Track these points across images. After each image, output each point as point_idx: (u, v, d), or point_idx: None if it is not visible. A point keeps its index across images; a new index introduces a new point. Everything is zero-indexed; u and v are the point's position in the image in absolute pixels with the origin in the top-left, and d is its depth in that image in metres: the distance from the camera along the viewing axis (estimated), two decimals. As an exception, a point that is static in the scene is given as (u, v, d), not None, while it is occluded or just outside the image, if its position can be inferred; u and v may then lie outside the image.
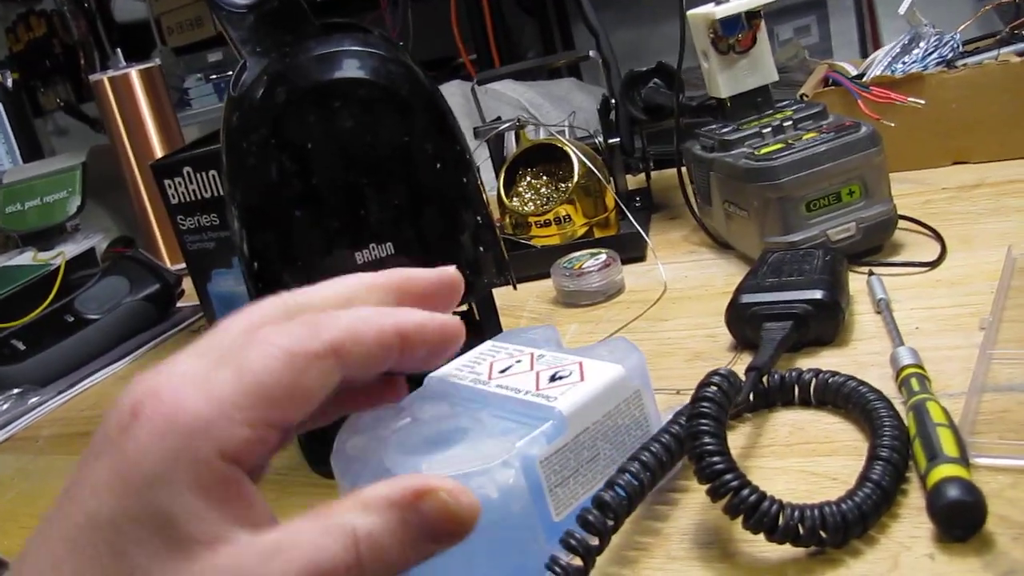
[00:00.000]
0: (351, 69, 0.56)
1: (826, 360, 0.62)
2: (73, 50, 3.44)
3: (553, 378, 0.48)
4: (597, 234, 0.90)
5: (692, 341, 0.69)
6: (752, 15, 0.79)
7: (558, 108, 1.81)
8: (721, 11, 0.78)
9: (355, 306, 0.38)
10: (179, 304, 1.14)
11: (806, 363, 0.61)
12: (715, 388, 0.48)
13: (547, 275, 0.84)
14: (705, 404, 0.46)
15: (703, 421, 0.45)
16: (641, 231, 0.85)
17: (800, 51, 2.38)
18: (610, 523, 0.43)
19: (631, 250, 0.87)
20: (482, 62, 2.47)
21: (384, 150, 0.56)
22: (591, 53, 0.96)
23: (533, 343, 0.55)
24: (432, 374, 0.53)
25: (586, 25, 0.99)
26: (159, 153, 1.30)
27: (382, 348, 0.36)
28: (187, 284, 1.11)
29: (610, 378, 0.48)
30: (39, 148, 1.64)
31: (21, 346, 1.01)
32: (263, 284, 0.59)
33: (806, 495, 0.47)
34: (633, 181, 1.05)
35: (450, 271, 0.41)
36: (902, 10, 0.98)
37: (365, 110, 0.56)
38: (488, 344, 0.56)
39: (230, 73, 2.00)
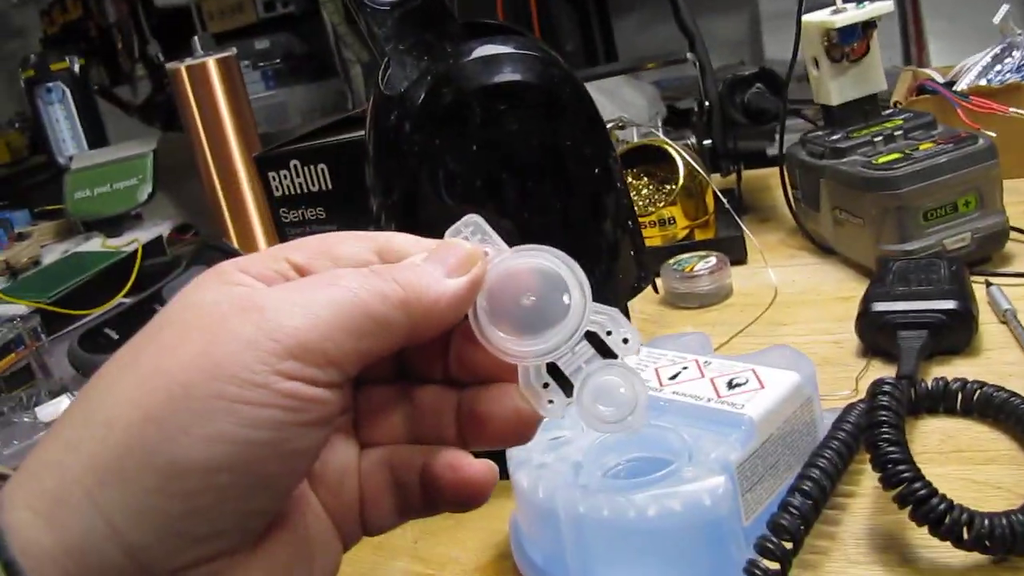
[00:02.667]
0: (515, 72, 0.57)
1: (961, 369, 0.63)
2: (109, 34, 3.43)
3: (731, 385, 0.50)
4: (698, 236, 0.91)
5: (817, 346, 0.70)
6: (868, 24, 0.80)
7: (613, 103, 1.82)
8: (840, 20, 0.79)
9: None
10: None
11: (940, 372, 0.62)
12: (888, 396, 0.49)
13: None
14: (883, 412, 0.47)
15: (884, 429, 0.46)
16: (750, 235, 0.86)
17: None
18: (801, 527, 0.44)
19: (731, 253, 0.87)
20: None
21: (548, 154, 0.57)
22: (688, 55, 0.97)
23: (689, 349, 0.56)
24: None
25: (680, 27, 1.00)
26: (234, 144, 1.31)
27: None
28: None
29: (789, 385, 0.49)
30: (104, 135, 1.65)
31: (114, 335, 1.02)
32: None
33: (971, 503, 0.48)
34: (720, 183, 1.05)
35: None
36: (997, 19, 0.98)
37: (529, 113, 0.56)
38: (643, 350, 0.57)
39: (278, 61, 2.00)
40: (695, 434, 0.47)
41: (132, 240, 1.33)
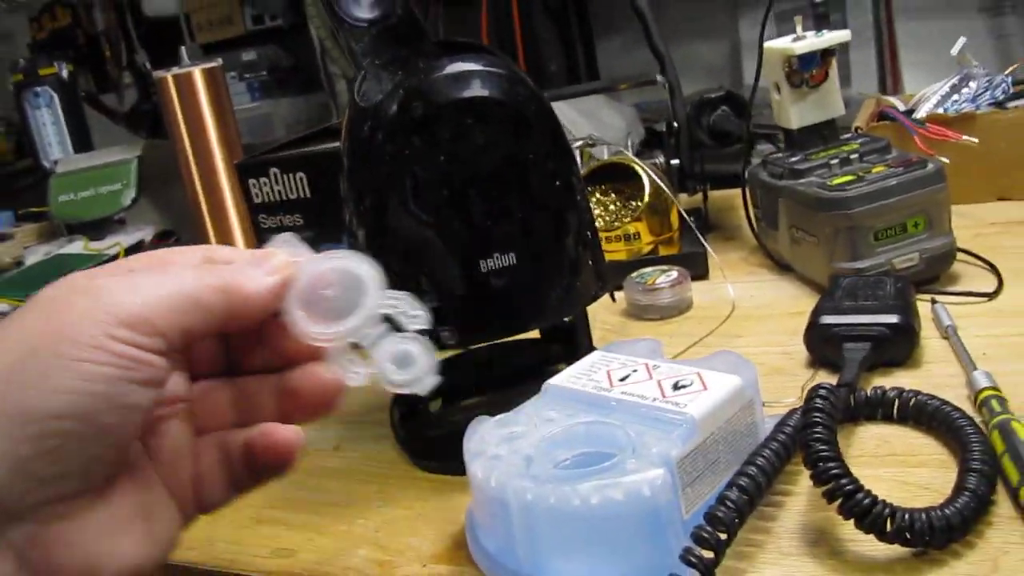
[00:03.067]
0: (484, 88, 0.60)
1: (901, 380, 0.66)
2: (97, 41, 3.45)
3: (676, 386, 0.53)
4: (662, 251, 0.94)
5: (768, 357, 0.73)
6: (827, 52, 0.84)
7: (592, 123, 1.86)
8: (800, 47, 0.83)
9: None
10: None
11: (881, 382, 0.65)
12: (822, 400, 0.52)
13: (614, 288, 0.88)
14: (817, 414, 0.51)
15: (817, 430, 0.50)
16: (710, 251, 0.89)
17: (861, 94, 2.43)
18: (735, 520, 0.48)
19: (694, 268, 0.91)
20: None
21: (510, 166, 0.60)
22: (658, 78, 1.01)
23: (640, 354, 0.59)
24: (550, 381, 0.57)
25: (651, 49, 1.03)
26: (217, 152, 1.34)
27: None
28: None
29: (731, 388, 0.53)
30: (89, 140, 1.68)
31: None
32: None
33: (901, 501, 0.51)
34: (687, 201, 1.09)
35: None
36: (954, 51, 1.03)
37: (495, 128, 0.60)
38: (596, 355, 0.60)
39: (264, 73, 2.04)
40: (640, 431, 0.50)
41: (114, 244, 1.36)
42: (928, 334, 0.72)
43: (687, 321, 0.83)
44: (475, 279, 0.60)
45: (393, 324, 0.42)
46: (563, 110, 1.81)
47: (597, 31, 2.89)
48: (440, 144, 0.59)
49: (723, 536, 0.47)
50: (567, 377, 0.57)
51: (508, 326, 0.63)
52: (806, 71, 0.84)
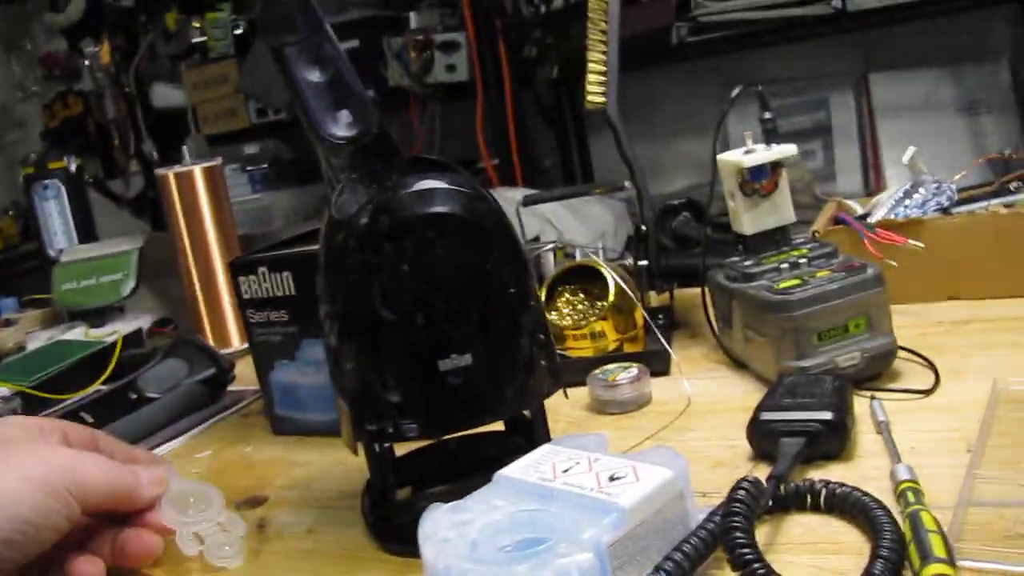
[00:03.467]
0: (445, 204, 0.66)
1: (833, 473, 0.71)
2: (106, 130, 3.57)
3: (612, 478, 0.58)
4: (627, 348, 1.00)
5: (715, 450, 0.78)
6: (776, 164, 0.91)
7: (578, 220, 1.94)
8: (750, 160, 0.89)
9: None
10: (230, 388, 1.23)
11: (815, 475, 0.70)
12: (745, 492, 0.57)
13: (580, 383, 0.93)
14: (737, 504, 0.56)
15: (735, 519, 0.55)
16: (668, 349, 0.95)
17: (805, 174, 2.52)
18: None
19: (657, 364, 0.96)
20: (503, 168, 2.60)
21: (468, 274, 0.66)
22: (626, 184, 1.07)
23: (587, 448, 0.64)
24: (501, 472, 0.63)
25: (622, 157, 1.10)
26: (215, 246, 1.41)
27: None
28: (238, 369, 1.21)
29: (661, 480, 0.58)
30: (94, 230, 1.75)
31: (89, 419, 1.10)
32: (357, 383, 0.69)
33: (817, 587, 0.56)
34: (656, 299, 1.15)
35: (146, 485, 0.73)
36: (905, 159, 1.09)
37: (455, 240, 0.66)
38: (546, 448, 0.65)
39: (265, 166, 2.13)
40: (575, 518, 0.55)
41: (113, 332, 1.41)
42: (864, 428, 0.77)
43: (645, 415, 0.89)
44: (434, 377, 0.65)
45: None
46: (550, 207, 1.88)
47: (591, 128, 3.00)
48: (405, 255, 0.65)
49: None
50: (516, 468, 0.63)
51: (465, 421, 0.68)
52: (756, 182, 0.91)
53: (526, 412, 0.74)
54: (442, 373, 0.66)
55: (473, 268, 0.67)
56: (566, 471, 0.61)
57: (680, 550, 0.55)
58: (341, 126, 0.73)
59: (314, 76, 0.74)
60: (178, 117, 3.19)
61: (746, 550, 0.53)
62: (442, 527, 0.57)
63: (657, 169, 2.77)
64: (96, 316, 1.53)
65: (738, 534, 0.54)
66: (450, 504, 0.60)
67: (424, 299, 0.66)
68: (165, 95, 3.15)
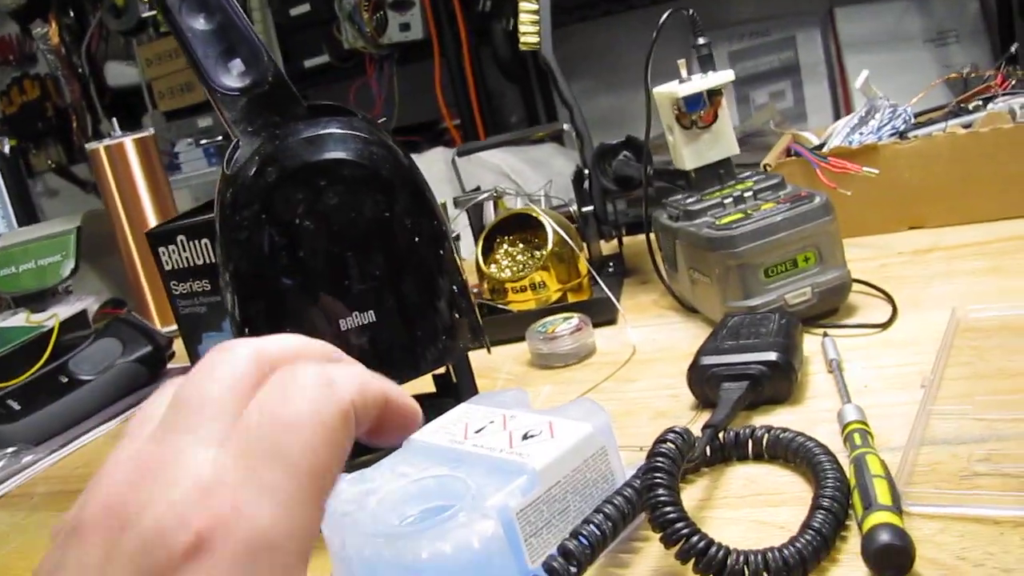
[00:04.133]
0: (336, 150, 0.61)
1: (780, 418, 0.66)
2: (65, 113, 3.49)
3: (525, 437, 0.53)
4: (571, 299, 0.95)
5: (657, 401, 0.73)
6: (713, 92, 0.85)
7: (538, 173, 1.87)
8: (684, 90, 0.84)
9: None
10: (169, 365, 1.18)
11: (761, 420, 0.65)
12: (669, 444, 0.52)
13: (523, 338, 0.88)
14: (660, 459, 0.50)
15: (657, 475, 0.50)
16: (611, 296, 0.89)
17: (775, 115, 2.46)
18: (573, 570, 0.47)
19: (602, 314, 0.91)
20: (466, 127, 2.53)
21: (366, 225, 0.61)
22: (565, 126, 1.02)
23: (504, 405, 0.59)
24: (412, 436, 0.57)
25: (560, 99, 1.04)
26: (152, 219, 1.35)
27: (377, 409, 0.35)
28: (177, 346, 1.15)
29: (578, 436, 0.52)
30: (34, 212, 1.68)
31: (16, 406, 1.04)
32: (253, 348, 0.63)
33: (755, 543, 0.51)
34: (607, 247, 1.10)
35: (417, 410, 0.39)
36: (858, 84, 1.04)
37: (349, 188, 0.60)
38: (462, 407, 0.60)
39: (220, 139, 2.08)
40: (482, 483, 0.50)
41: (51, 315, 1.35)
42: (816, 369, 0.72)
43: (587, 367, 0.83)
44: (336, 337, 0.60)
45: None
46: (507, 160, 1.82)
47: (555, 83, 2.93)
48: (296, 207, 0.60)
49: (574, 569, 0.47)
50: (427, 431, 0.57)
51: (374, 384, 0.63)
52: (694, 112, 0.85)
53: (451, 371, 0.69)
54: (344, 332, 0.60)
55: (372, 218, 0.61)
56: (479, 431, 0.55)
57: (601, 511, 0.50)
58: (233, 76, 0.67)
59: (200, 24, 0.68)
60: (135, 95, 3.11)
61: (668, 508, 0.48)
62: (342, 500, 0.52)
63: (625, 118, 2.71)
64: (38, 300, 1.47)
65: (660, 491, 0.49)
66: (352, 474, 0.54)
67: (320, 254, 0.60)
68: (119, 73, 3.08)
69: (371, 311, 0.60)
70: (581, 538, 0.49)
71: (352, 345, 0.60)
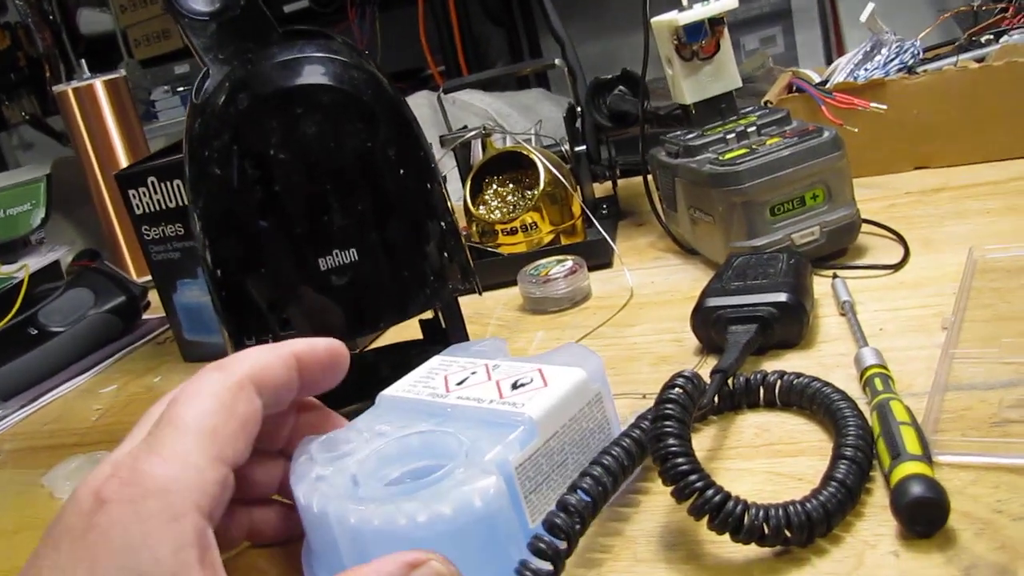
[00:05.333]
0: (313, 75, 0.56)
1: (791, 362, 0.62)
2: (38, 63, 3.40)
3: (515, 385, 0.48)
4: (564, 241, 0.90)
5: (658, 346, 0.69)
6: (715, 21, 0.80)
7: (526, 118, 1.82)
8: (684, 18, 0.78)
9: None
10: (145, 316, 1.13)
11: (771, 365, 0.61)
12: (679, 390, 0.47)
13: (515, 283, 0.83)
14: (669, 406, 0.46)
15: (667, 423, 0.45)
16: (607, 237, 0.85)
17: (766, 61, 2.40)
18: (577, 526, 0.43)
19: (598, 257, 0.87)
20: (451, 73, 2.47)
21: (347, 156, 0.56)
22: (556, 61, 0.97)
23: (483, 355, 0.54)
24: (383, 392, 0.53)
25: (552, 33, 0.99)
26: (124, 164, 1.29)
27: (287, 370, 0.44)
28: (153, 296, 1.10)
29: (573, 382, 0.48)
30: (4, 162, 1.62)
31: (-16, 359, 1.00)
32: (227, 292, 0.59)
33: (772, 495, 0.47)
34: (601, 189, 1.05)
35: (338, 345, 0.47)
36: (863, 17, 0.99)
37: (327, 116, 0.55)
38: (436, 360, 0.55)
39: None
40: (475, 436, 0.45)
41: (21, 266, 1.30)
42: (827, 312, 0.68)
43: (583, 312, 0.79)
44: (315, 278, 0.55)
45: None
46: (494, 105, 1.77)
47: (541, 28, 2.85)
48: (270, 136, 0.55)
49: (563, 545, 0.43)
50: (402, 386, 0.53)
51: (357, 327, 0.58)
52: (695, 43, 0.80)
53: (439, 316, 0.65)
54: (324, 273, 0.56)
55: (353, 148, 0.56)
56: (461, 383, 0.51)
57: (600, 463, 0.46)
58: (201, 0, 0.62)
59: (165, -59, 0.63)
60: (109, 43, 3.03)
61: (681, 460, 0.44)
62: (318, 462, 0.47)
63: (613, 63, 2.64)
64: (8, 251, 1.41)
65: (671, 441, 0.44)
66: (324, 436, 0.50)
67: (296, 187, 0.55)
68: (93, 20, 2.99)
69: (353, 249, 0.56)
70: (581, 491, 0.45)
71: (333, 286, 0.56)
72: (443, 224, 0.60)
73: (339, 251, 0.56)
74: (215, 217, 0.57)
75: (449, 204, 0.63)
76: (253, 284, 0.57)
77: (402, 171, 0.57)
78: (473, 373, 0.51)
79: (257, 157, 0.55)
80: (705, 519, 0.43)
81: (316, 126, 0.55)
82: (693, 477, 0.43)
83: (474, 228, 0.92)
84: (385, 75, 0.60)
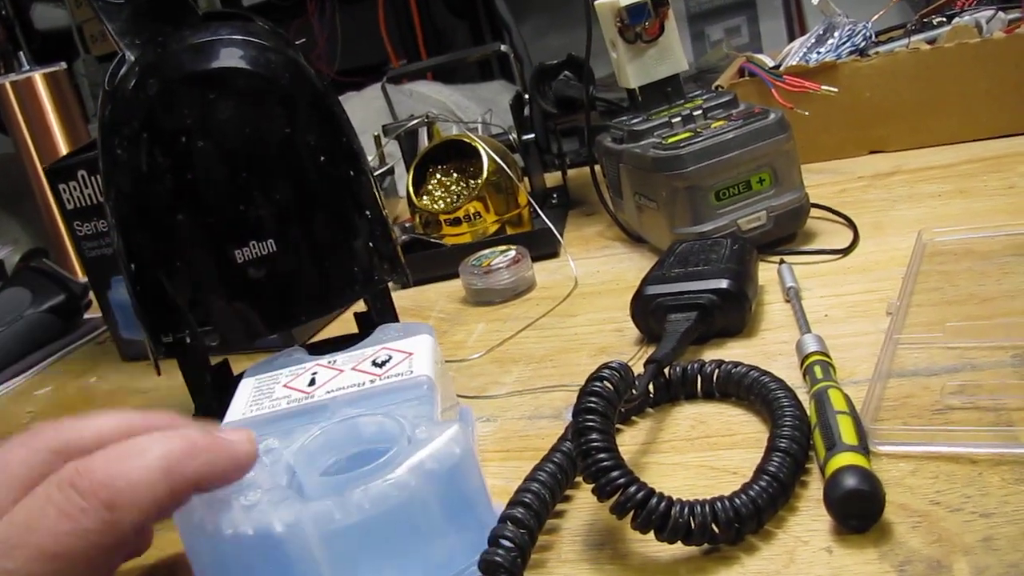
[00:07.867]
0: (228, 58, 0.53)
1: (733, 351, 0.60)
2: (-8, 59, 3.33)
3: (377, 364, 0.47)
4: (510, 232, 0.88)
5: (599, 336, 0.67)
6: (659, 3, 0.78)
7: (483, 108, 1.79)
8: (626, -1, 0.76)
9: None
10: (87, 315, 1.10)
11: (713, 355, 0.59)
12: (603, 382, 0.45)
13: (458, 275, 0.81)
14: (592, 399, 0.44)
15: (588, 417, 0.43)
16: (552, 227, 0.83)
17: (730, 51, 2.39)
18: (526, 537, 0.41)
19: (544, 247, 0.85)
20: (412, 66, 2.44)
21: (264, 143, 0.53)
22: (502, 47, 0.94)
23: (292, 364, 0.53)
24: (227, 420, 0.49)
25: (500, 18, 0.97)
26: (67, 160, 1.26)
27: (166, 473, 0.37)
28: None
29: (428, 344, 0.50)
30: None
31: (-86, 364, 0.96)
32: (142, 288, 0.56)
33: (704, 491, 0.45)
34: (552, 178, 1.03)
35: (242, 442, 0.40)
36: (815, 0, 0.97)
37: (242, 101, 0.53)
38: (250, 382, 0.52)
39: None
40: (391, 411, 0.43)
41: (-39, 266, 1.27)
42: (772, 299, 0.66)
43: (526, 303, 0.77)
44: (230, 271, 0.53)
45: None
46: (452, 97, 1.74)
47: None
48: (181, 122, 0.52)
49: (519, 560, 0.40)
50: (240, 410, 0.49)
51: (276, 323, 0.56)
52: (638, 24, 0.78)
53: (365, 308, 0.62)
54: (240, 266, 0.53)
55: (270, 134, 0.54)
56: (311, 384, 0.49)
57: (535, 479, 0.44)
58: (115, -19, 0.59)
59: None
60: (65, 38, 2.97)
61: (602, 455, 0.41)
62: (226, 499, 0.41)
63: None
64: (-49, 251, 1.38)
65: (592, 436, 0.42)
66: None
67: (210, 176, 0.53)
68: (47, 16, 2.93)
69: (271, 240, 0.53)
70: (523, 507, 0.42)
71: (250, 279, 0.53)
72: (368, 212, 0.57)
73: (256, 242, 0.53)
74: (127, 208, 0.54)
75: (379, 192, 0.60)
76: (168, 278, 0.54)
77: (323, 159, 0.55)
78: (315, 373, 0.50)
79: (168, 144, 0.52)
80: (628, 517, 0.41)
81: (230, 111, 0.52)
82: (615, 474, 0.41)
83: (417, 219, 0.89)
84: (346, 74, 0.58)
